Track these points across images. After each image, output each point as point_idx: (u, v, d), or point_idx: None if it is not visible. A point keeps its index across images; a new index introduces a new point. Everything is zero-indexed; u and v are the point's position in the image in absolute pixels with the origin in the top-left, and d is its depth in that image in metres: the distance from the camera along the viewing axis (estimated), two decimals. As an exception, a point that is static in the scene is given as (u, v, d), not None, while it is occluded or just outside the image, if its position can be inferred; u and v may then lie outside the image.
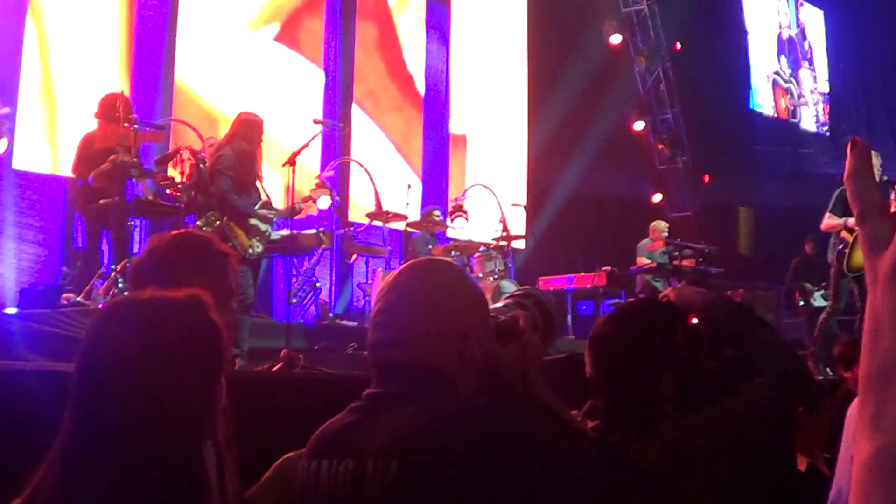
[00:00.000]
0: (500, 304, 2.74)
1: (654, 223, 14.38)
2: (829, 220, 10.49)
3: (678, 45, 20.33)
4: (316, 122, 10.88)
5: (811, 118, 26.05)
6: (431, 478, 2.12)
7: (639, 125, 19.80)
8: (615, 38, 19.29)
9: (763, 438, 2.88)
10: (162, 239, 3.04)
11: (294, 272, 10.88)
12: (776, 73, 25.11)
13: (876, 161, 10.32)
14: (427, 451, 2.14)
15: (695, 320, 2.98)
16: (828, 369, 10.58)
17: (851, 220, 10.22)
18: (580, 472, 2.23)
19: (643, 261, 13.67)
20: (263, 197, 9.28)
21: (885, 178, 10.70)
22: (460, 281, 2.48)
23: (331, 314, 11.07)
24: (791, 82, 25.52)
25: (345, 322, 10.97)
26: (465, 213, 12.11)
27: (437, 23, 16.80)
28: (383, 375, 2.36)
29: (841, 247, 10.36)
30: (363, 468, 2.20)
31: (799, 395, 3.02)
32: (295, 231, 9.82)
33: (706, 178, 20.58)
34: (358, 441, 2.26)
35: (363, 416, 2.33)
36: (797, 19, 26.23)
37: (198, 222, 8.96)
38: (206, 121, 12.29)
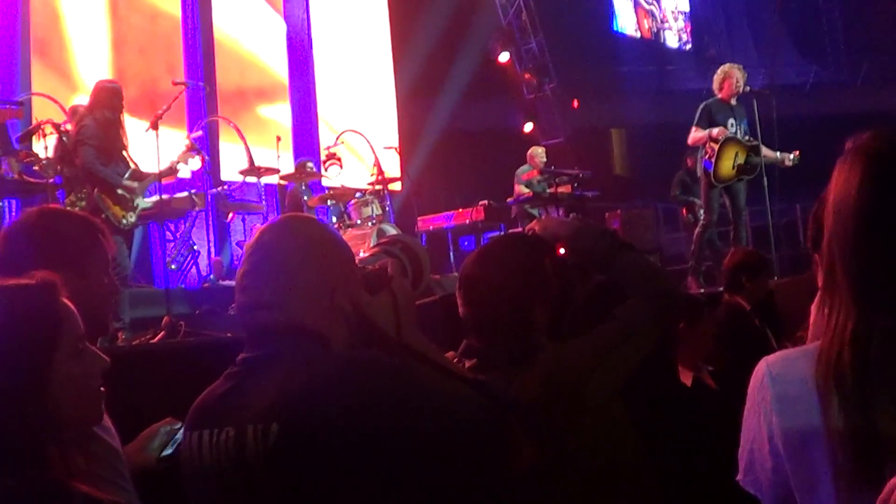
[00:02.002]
0: (366, 255, 2.73)
1: (531, 149, 14.42)
2: (695, 134, 10.64)
3: (538, -27, 20.37)
4: (176, 83, 10.71)
5: (674, 37, 26.35)
6: (313, 437, 2.11)
7: (504, 56, 19.79)
8: (474, -29, 19.26)
9: (641, 357, 2.91)
10: (29, 216, 2.97)
11: (170, 237, 10.74)
12: (637, -7, 25.33)
13: (739, 74, 10.50)
14: (305, 410, 2.13)
15: (562, 250, 3.00)
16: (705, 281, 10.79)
17: (716, 131, 10.38)
18: (462, 416, 2.24)
19: (521, 189, 13.75)
20: (132, 165, 9.14)
21: (748, 88, 10.86)
22: (323, 235, 2.46)
23: (211, 276, 10.96)
24: (653, 4, 25.76)
25: (226, 282, 10.88)
26: (339, 160, 12.04)
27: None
28: (255, 339, 2.35)
29: (707, 158, 10.51)
30: (244, 435, 2.18)
31: (671, 312, 3.06)
32: (167, 195, 9.70)
33: (575, 104, 20.73)
34: (236, 408, 2.24)
35: (239, 381, 2.31)
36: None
37: (68, 199, 8.81)
38: (69, 92, 12.08)
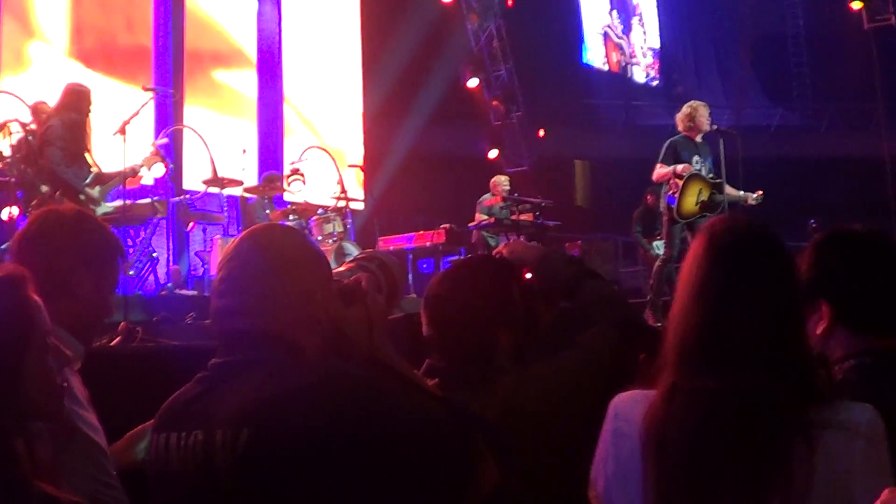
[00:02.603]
0: (342, 268, 2.73)
1: (494, 178, 14.45)
2: (659, 170, 10.68)
3: (510, 2, 20.46)
4: (146, 88, 10.68)
5: (642, 73, 26.54)
6: (282, 445, 2.11)
7: (473, 82, 19.85)
8: (447, -3, 19.31)
9: (602, 387, 2.92)
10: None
11: (130, 243, 10.67)
12: (607, 27, 25.48)
13: (705, 111, 10.55)
14: (276, 419, 2.13)
15: (528, 275, 3.01)
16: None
17: (681, 167, 10.44)
18: (429, 432, 2.25)
19: (482, 216, 13.76)
20: (94, 169, 9.10)
21: (715, 126, 10.92)
22: (301, 245, 2.48)
23: (168, 284, 10.90)
24: (623, 39, 25.94)
25: (184, 291, 10.82)
26: (303, 176, 12.03)
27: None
28: (228, 344, 2.34)
29: (671, 193, 10.56)
30: (212, 439, 2.18)
31: (633, 342, 3.07)
32: (129, 201, 9.66)
33: (541, 133, 20.80)
34: (206, 412, 2.24)
35: (210, 386, 2.31)
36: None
37: (31, 205, 8.75)
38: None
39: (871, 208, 23.76)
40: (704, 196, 10.52)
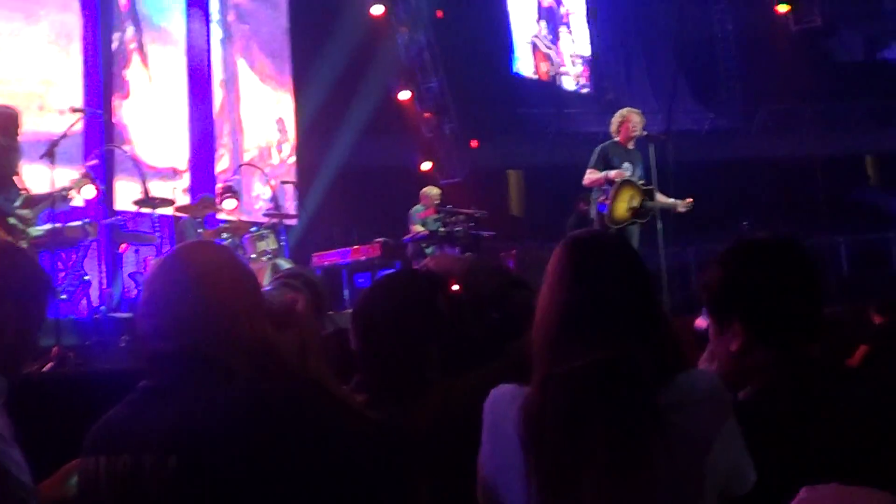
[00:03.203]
0: (268, 288, 2.72)
1: (424, 189, 14.42)
2: (590, 175, 10.72)
3: (440, 13, 20.50)
4: (73, 110, 10.58)
5: (572, 81, 26.65)
6: (210, 470, 2.10)
7: (404, 95, 19.87)
8: (377, 9, 19.28)
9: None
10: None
11: (61, 266, 10.55)
12: (535, 37, 25.58)
13: (637, 118, 10.62)
14: (204, 443, 2.12)
15: (455, 287, 3.01)
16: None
17: (613, 173, 10.49)
18: (361, 453, 2.25)
19: (417, 228, 13.74)
20: (23, 193, 9.00)
21: (646, 132, 11.00)
22: (224, 262, 2.45)
23: (102, 307, 10.79)
24: (551, 48, 26.04)
25: (117, 314, 10.71)
26: (235, 193, 11.97)
27: (199, 0, 16.47)
28: (155, 367, 2.33)
29: (602, 200, 10.61)
30: (140, 463, 2.16)
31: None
32: (60, 224, 9.55)
33: (474, 144, 20.84)
34: (134, 435, 2.23)
35: (138, 409, 2.30)
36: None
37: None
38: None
39: (800, 207, 24.06)
40: (636, 202, 10.59)
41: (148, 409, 2.25)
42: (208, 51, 16.43)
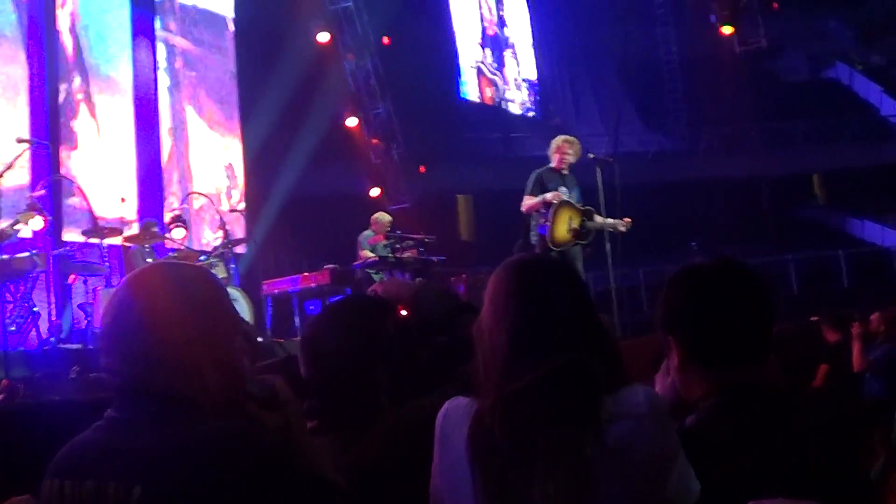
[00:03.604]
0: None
1: (375, 215, 14.39)
2: (528, 201, 10.76)
3: (386, 40, 20.57)
4: (20, 140, 10.52)
5: (517, 106, 26.79)
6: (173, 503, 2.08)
7: (352, 121, 19.92)
8: (322, 37, 19.34)
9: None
10: None
11: (10, 298, 10.45)
12: (480, 62, 25.72)
13: (569, 147, 10.71)
14: (169, 477, 2.09)
15: (403, 312, 3.03)
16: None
17: (551, 195, 10.54)
18: (321, 491, 2.27)
19: (366, 254, 13.71)
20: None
21: (591, 155, 11.09)
22: (178, 287, 2.36)
23: (52, 338, 10.70)
24: (496, 74, 26.18)
25: (67, 345, 10.62)
26: (184, 222, 11.92)
27: (144, 30, 16.37)
28: (118, 401, 2.30)
29: (542, 223, 10.65)
30: (105, 491, 2.14)
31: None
32: (7, 255, 9.49)
33: (422, 169, 20.91)
34: (100, 462, 2.19)
35: (105, 436, 2.25)
36: (499, 13, 26.95)
37: None
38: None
39: (749, 227, 24.30)
40: (576, 224, 10.64)
41: (115, 438, 2.22)
42: (156, 99, 16.37)
